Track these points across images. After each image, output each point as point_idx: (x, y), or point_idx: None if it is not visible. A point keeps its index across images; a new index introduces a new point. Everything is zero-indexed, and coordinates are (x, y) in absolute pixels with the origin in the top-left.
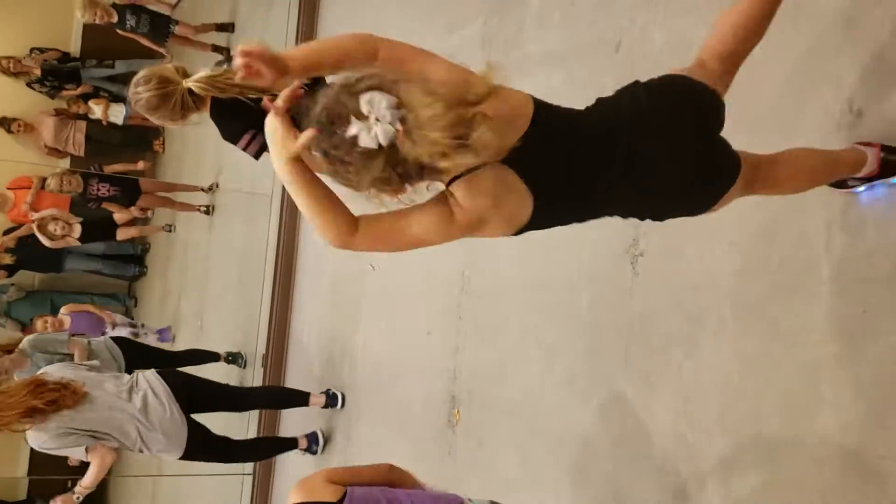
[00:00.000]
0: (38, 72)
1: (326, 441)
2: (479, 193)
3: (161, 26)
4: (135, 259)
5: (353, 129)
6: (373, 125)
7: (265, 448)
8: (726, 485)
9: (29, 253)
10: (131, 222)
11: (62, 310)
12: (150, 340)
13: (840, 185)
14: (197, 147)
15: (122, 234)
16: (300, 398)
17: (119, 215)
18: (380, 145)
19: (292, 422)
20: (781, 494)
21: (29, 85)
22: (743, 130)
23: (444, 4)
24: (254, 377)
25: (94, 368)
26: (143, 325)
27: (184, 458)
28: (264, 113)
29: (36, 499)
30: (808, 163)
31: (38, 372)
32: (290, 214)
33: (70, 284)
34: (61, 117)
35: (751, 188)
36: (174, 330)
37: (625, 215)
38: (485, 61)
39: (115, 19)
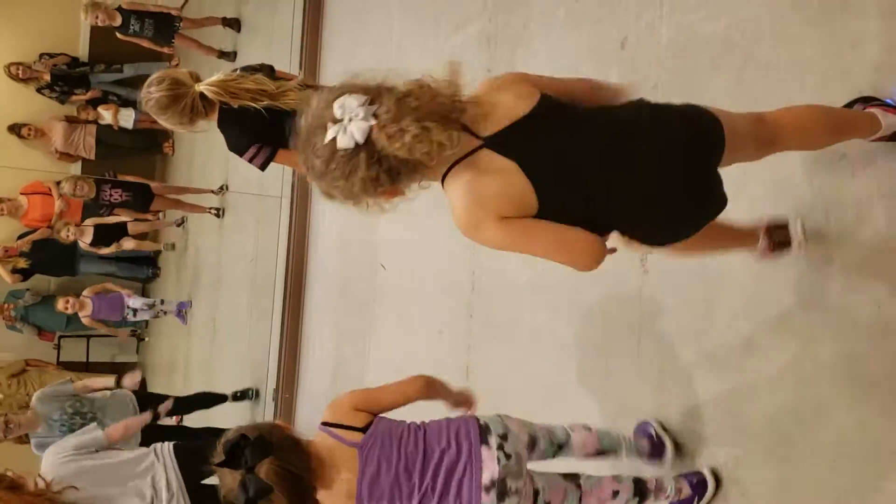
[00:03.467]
0: (47, 77)
1: None
2: (458, 187)
3: (166, 26)
4: (148, 261)
5: (330, 133)
6: (347, 125)
7: None
8: (739, 483)
9: (43, 257)
10: (141, 235)
11: (84, 292)
12: (169, 318)
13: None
14: (206, 149)
15: (126, 244)
16: None
17: (133, 225)
18: (357, 143)
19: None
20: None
21: (39, 91)
22: None
23: (449, 1)
24: (264, 410)
25: (114, 456)
26: (161, 301)
27: None
28: (271, 125)
29: None
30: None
31: (47, 474)
32: (299, 217)
33: (85, 287)
34: (71, 122)
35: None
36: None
37: (626, 225)
38: (487, 62)
39: (117, 22)
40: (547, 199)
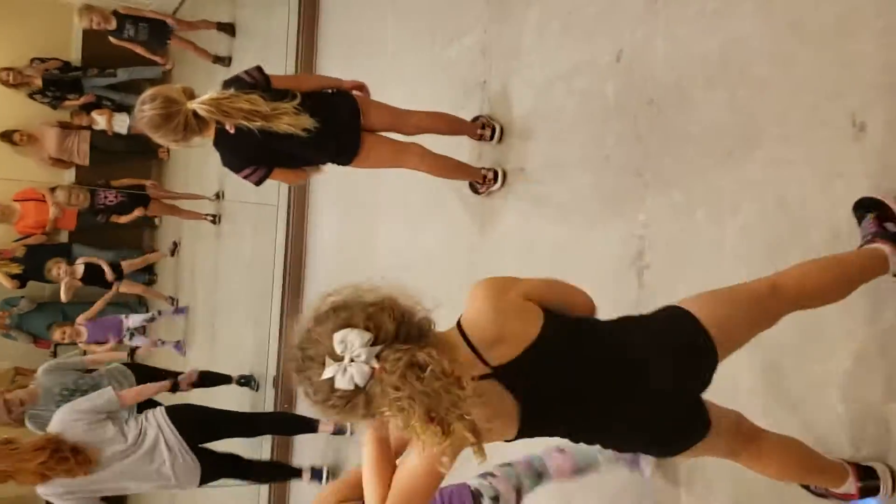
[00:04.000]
0: (39, 82)
1: (330, 476)
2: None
3: (160, 31)
4: (144, 268)
5: (329, 371)
6: (347, 366)
7: (272, 471)
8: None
9: (37, 263)
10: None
11: (78, 319)
12: (167, 321)
13: (819, 493)
14: (202, 154)
15: (125, 287)
16: (309, 426)
17: (127, 264)
18: (357, 386)
19: (306, 443)
20: None
21: (31, 96)
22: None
23: (444, 12)
24: (265, 397)
25: (110, 418)
26: (159, 312)
27: (199, 486)
28: (267, 148)
29: None
30: (794, 456)
31: (54, 428)
32: (297, 224)
33: (81, 294)
34: (64, 128)
35: (735, 455)
36: (186, 337)
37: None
38: (482, 73)
39: (112, 26)
40: (526, 429)
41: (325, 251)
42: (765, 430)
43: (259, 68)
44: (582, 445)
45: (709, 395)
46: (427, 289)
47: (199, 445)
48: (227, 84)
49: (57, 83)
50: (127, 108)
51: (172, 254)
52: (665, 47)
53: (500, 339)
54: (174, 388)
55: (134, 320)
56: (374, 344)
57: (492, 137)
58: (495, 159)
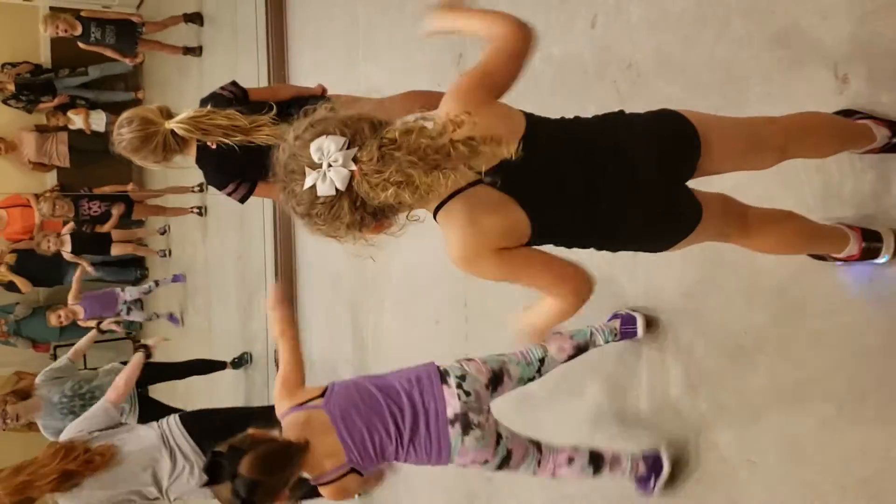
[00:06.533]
0: (11, 87)
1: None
2: (453, 221)
3: (128, 33)
4: (135, 262)
5: (309, 180)
6: (326, 171)
7: None
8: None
9: (30, 268)
10: (126, 233)
11: (69, 299)
12: (166, 288)
13: (819, 257)
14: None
15: (117, 249)
16: None
17: (117, 233)
18: (338, 190)
19: None
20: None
21: (5, 102)
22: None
23: None
24: (268, 379)
25: (120, 426)
26: (156, 283)
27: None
28: (250, 163)
29: None
30: (787, 228)
31: (65, 436)
32: (283, 213)
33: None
34: (42, 132)
35: (726, 237)
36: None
37: (620, 240)
38: (458, 45)
39: (78, 31)
40: (541, 230)
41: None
42: (753, 206)
43: (234, 83)
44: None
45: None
46: (422, 268)
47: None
48: (204, 102)
49: (29, 87)
50: (102, 106)
51: (163, 234)
52: (639, 10)
53: (482, 142)
54: (148, 356)
55: (131, 293)
56: (349, 147)
57: None
58: None
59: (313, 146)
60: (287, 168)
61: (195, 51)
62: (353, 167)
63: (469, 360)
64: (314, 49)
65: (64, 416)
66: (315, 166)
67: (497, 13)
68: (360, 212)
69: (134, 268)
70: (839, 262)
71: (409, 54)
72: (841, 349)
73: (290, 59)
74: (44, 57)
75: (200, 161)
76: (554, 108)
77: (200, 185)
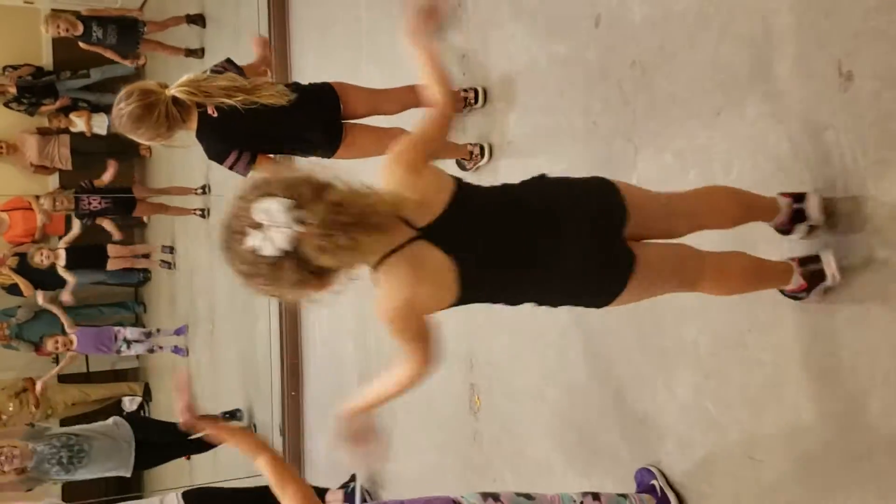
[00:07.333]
0: (13, 90)
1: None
2: (393, 277)
3: (130, 32)
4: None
5: (251, 240)
6: (270, 232)
7: None
8: None
9: (32, 272)
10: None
11: (66, 327)
12: (168, 342)
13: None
14: (184, 149)
15: (114, 264)
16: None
17: (115, 248)
18: (282, 250)
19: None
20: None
21: (6, 105)
22: None
23: None
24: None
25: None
26: (158, 331)
27: None
28: (250, 133)
29: None
30: (737, 268)
31: None
32: None
33: (77, 298)
34: (44, 135)
35: (690, 285)
36: (189, 332)
37: (555, 294)
38: (462, 46)
39: (79, 31)
40: (471, 283)
41: None
42: (708, 251)
43: (230, 60)
44: (613, 495)
45: None
46: None
47: None
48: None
49: (31, 89)
50: (104, 108)
51: (166, 251)
52: (642, 8)
53: (421, 203)
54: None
55: (131, 333)
56: (295, 209)
57: (476, 101)
58: (480, 134)
59: (258, 207)
60: (230, 228)
61: (197, 53)
62: (299, 228)
63: (497, 498)
64: (317, 51)
65: (52, 465)
66: (259, 227)
67: (444, 80)
68: (304, 272)
69: (137, 271)
70: (794, 296)
71: (412, 56)
72: None
73: (293, 60)
74: (45, 59)
75: (201, 132)
76: (562, 108)
77: (203, 187)
